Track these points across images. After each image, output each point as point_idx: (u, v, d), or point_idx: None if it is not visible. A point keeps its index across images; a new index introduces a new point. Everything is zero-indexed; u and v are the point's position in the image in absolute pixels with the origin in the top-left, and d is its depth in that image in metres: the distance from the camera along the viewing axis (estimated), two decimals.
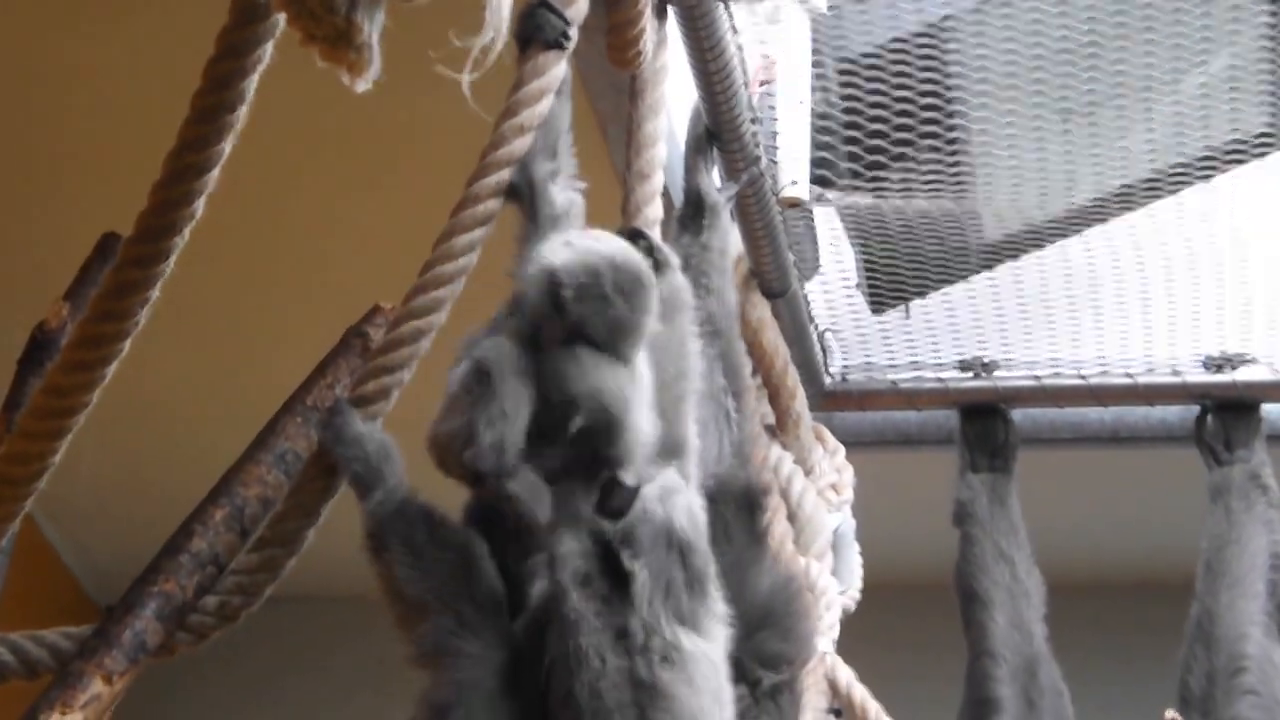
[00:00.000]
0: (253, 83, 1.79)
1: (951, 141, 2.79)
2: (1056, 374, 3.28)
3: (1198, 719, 2.99)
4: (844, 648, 3.00)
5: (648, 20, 2.30)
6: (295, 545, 2.09)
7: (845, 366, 3.30)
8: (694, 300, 2.21)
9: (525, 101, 2.05)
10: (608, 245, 1.99)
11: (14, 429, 2.00)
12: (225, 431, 2.42)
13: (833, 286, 3.20)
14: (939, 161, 2.80)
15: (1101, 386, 3.29)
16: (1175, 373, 3.28)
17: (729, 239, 2.64)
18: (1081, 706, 3.05)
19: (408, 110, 3.34)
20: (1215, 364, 3.27)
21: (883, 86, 2.74)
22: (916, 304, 3.17)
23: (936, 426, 3.34)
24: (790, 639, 2.41)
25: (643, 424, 1.95)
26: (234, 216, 2.61)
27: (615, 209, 2.29)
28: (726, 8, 2.46)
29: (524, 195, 2.05)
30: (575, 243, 1.98)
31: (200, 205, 1.82)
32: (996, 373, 3.28)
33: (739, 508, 2.45)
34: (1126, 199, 2.96)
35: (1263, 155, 2.90)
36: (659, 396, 2.05)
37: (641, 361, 1.98)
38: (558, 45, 2.06)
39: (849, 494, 3.11)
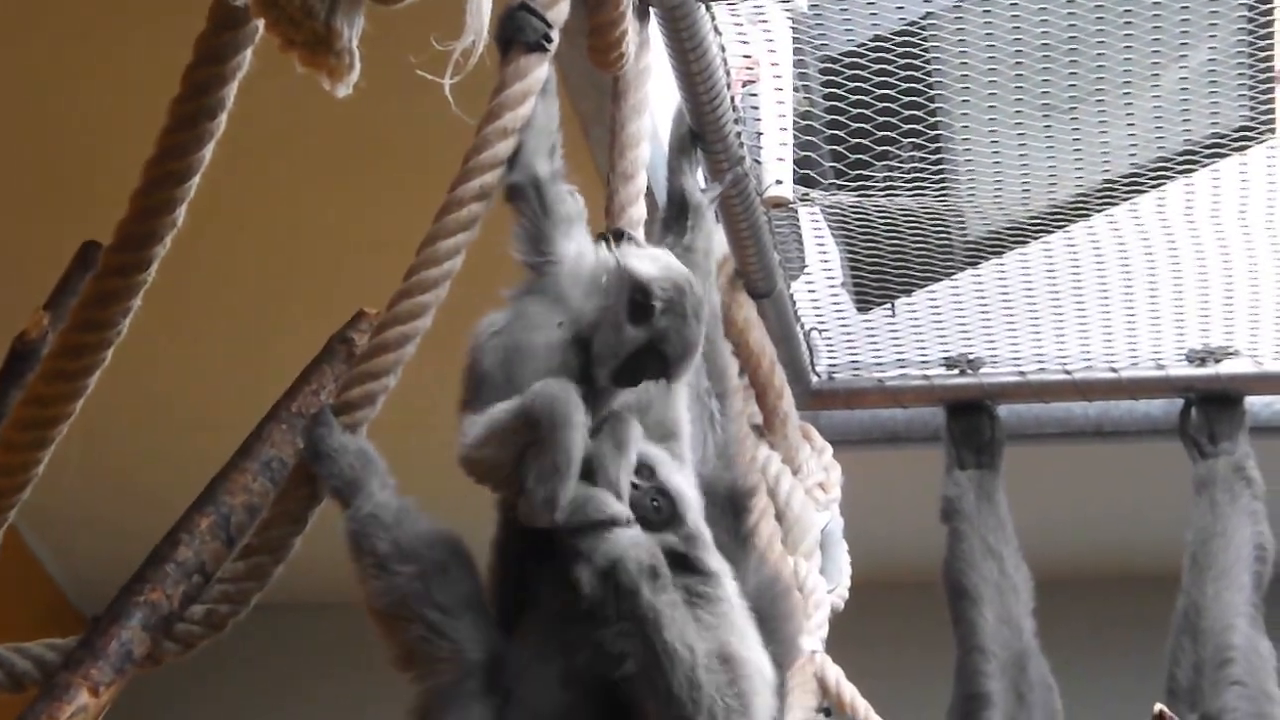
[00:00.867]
0: (232, 89, 1.78)
1: (934, 139, 2.79)
2: (1041, 369, 3.28)
3: (1186, 710, 2.99)
4: (833, 646, 3.00)
5: (629, 22, 2.29)
6: (282, 553, 2.08)
7: (831, 365, 3.30)
8: None
9: (507, 104, 2.04)
10: (683, 268, 2.03)
11: None
12: (211, 439, 2.42)
13: (818, 286, 3.20)
14: (922, 159, 2.80)
15: (1086, 381, 3.29)
16: (1159, 367, 3.29)
17: (713, 240, 2.63)
18: (1070, 700, 3.05)
19: (389, 115, 3.33)
20: (1199, 358, 3.28)
21: (865, 85, 2.74)
22: (902, 302, 3.17)
23: (923, 424, 3.34)
24: (776, 640, 2.40)
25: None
26: (216, 225, 2.60)
27: (599, 210, 2.29)
28: (708, 9, 2.45)
29: (529, 195, 2.05)
30: (660, 259, 2.02)
31: (181, 213, 1.81)
32: (982, 369, 3.28)
33: (723, 510, 2.45)
34: (1108, 194, 2.97)
35: (1243, 149, 2.91)
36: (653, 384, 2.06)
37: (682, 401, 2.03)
38: (539, 48, 2.06)
39: (837, 492, 3.11)
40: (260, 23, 1.74)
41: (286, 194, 3.92)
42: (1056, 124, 2.83)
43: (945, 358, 3.29)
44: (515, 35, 2.06)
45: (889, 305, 3.16)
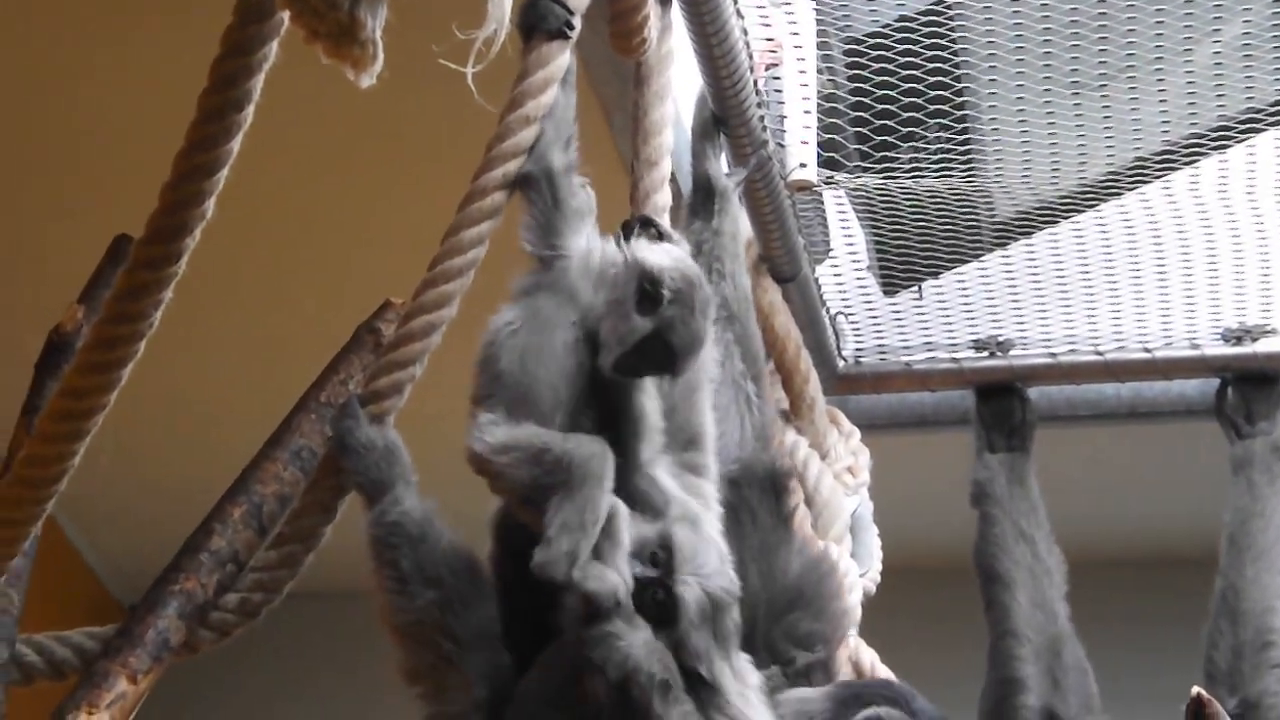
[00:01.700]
0: (259, 81, 1.79)
1: (961, 119, 2.78)
2: (1072, 351, 3.26)
3: (1224, 694, 2.98)
4: (865, 630, 2.99)
5: (651, 7, 2.29)
6: (313, 541, 2.10)
7: (858, 349, 3.28)
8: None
9: (530, 92, 2.05)
10: (693, 264, 2.03)
11: (33, 432, 2.01)
12: (242, 430, 2.43)
13: (844, 269, 3.19)
14: (948, 140, 2.79)
15: (1118, 362, 3.26)
16: (1194, 346, 3.26)
17: (740, 224, 2.64)
18: (1105, 684, 3.04)
19: (412, 105, 3.34)
20: (1234, 336, 3.25)
21: (889, 66, 2.73)
22: (929, 284, 3.16)
23: (951, 407, 3.32)
24: (823, 618, 2.42)
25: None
26: (243, 217, 2.61)
27: (622, 197, 2.29)
28: None
29: (541, 186, 2.05)
30: (673, 253, 2.02)
31: (210, 205, 1.83)
32: (1011, 351, 3.26)
33: (764, 491, 2.46)
34: (1140, 172, 2.95)
35: (1278, 124, 2.88)
36: (672, 387, 2.05)
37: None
38: (561, 35, 2.06)
39: (865, 477, 3.10)
40: (285, 15, 1.75)
41: (311, 184, 3.94)
42: (1086, 102, 2.81)
43: (974, 340, 3.26)
44: (537, 23, 2.07)
45: (916, 288, 3.14)
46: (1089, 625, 3.08)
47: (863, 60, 2.73)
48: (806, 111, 2.67)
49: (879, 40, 2.72)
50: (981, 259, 3.12)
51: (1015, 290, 3.23)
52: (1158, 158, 2.91)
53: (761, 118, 2.62)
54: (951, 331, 3.26)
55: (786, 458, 2.80)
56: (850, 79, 2.74)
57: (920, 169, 2.81)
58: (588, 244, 2.05)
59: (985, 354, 3.26)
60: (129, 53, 3.64)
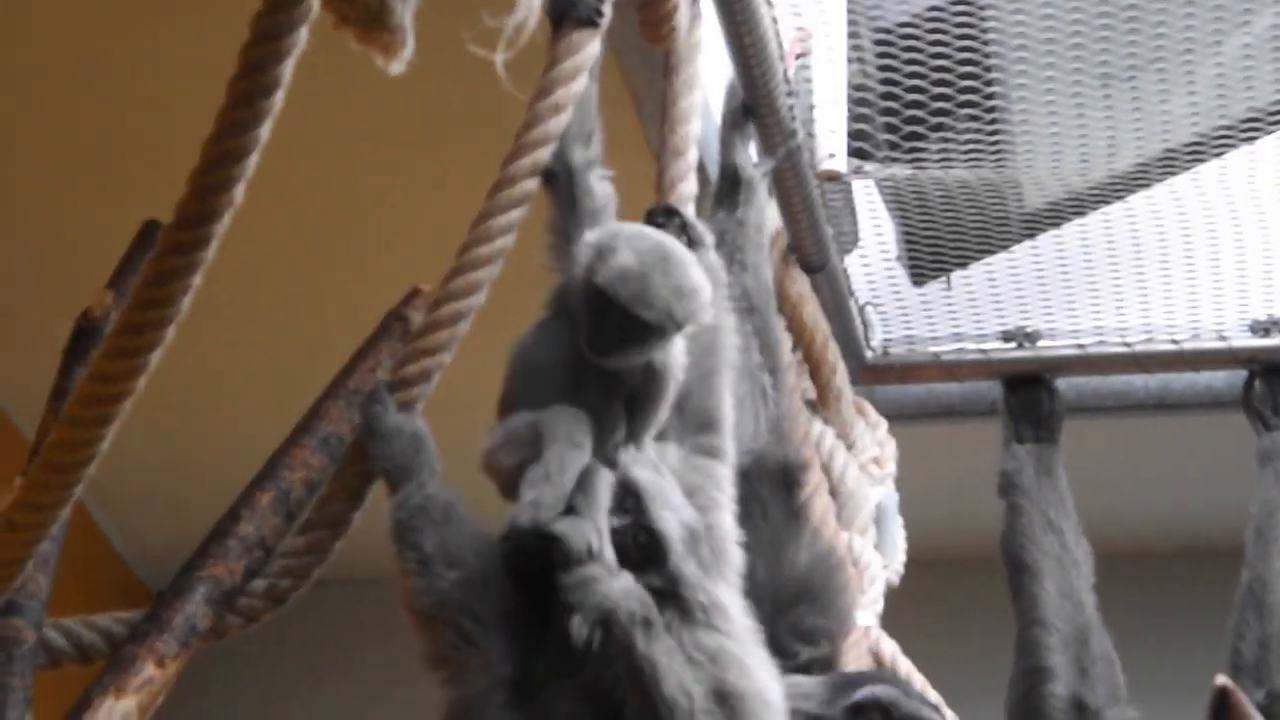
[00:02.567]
0: (289, 67, 1.79)
1: (990, 110, 2.77)
2: (1100, 342, 3.26)
3: (1250, 686, 2.97)
4: (888, 621, 2.99)
5: None
6: (341, 528, 2.11)
7: (886, 339, 3.28)
8: (728, 277, 2.21)
9: (559, 80, 2.05)
10: (645, 234, 2.00)
11: (61, 417, 2.01)
12: (270, 416, 2.44)
13: (872, 259, 3.18)
14: (978, 130, 2.78)
15: (1147, 354, 3.26)
16: (1221, 338, 3.25)
17: (765, 214, 2.63)
18: (1132, 675, 3.04)
19: (442, 92, 3.34)
20: (1262, 328, 3.25)
21: (920, 56, 2.73)
22: (957, 275, 3.16)
23: (979, 398, 3.32)
24: (829, 614, 2.41)
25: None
26: (273, 203, 2.62)
27: (649, 186, 2.29)
28: None
29: (561, 182, 2.05)
30: (624, 230, 2.00)
31: (240, 191, 1.82)
32: (1039, 342, 3.26)
33: (775, 484, 2.45)
34: (1169, 164, 2.94)
35: None
36: (689, 372, 2.05)
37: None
38: (591, 23, 2.06)
39: (891, 468, 3.10)
40: (315, 0, 1.75)
41: (340, 171, 3.94)
42: (1116, 93, 2.80)
43: (1002, 331, 3.26)
44: (567, 10, 2.07)
45: (944, 278, 3.14)
46: (1115, 616, 3.07)
47: (893, 50, 2.73)
48: (836, 101, 2.67)
49: (909, 30, 2.72)
50: (1010, 250, 3.11)
51: (1043, 281, 3.22)
52: (1187, 149, 2.90)
53: (791, 107, 2.61)
54: (979, 322, 3.26)
55: (804, 450, 2.79)
56: (880, 69, 2.74)
57: (949, 159, 2.80)
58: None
59: (1013, 345, 3.26)
60: (158, 37, 3.64)
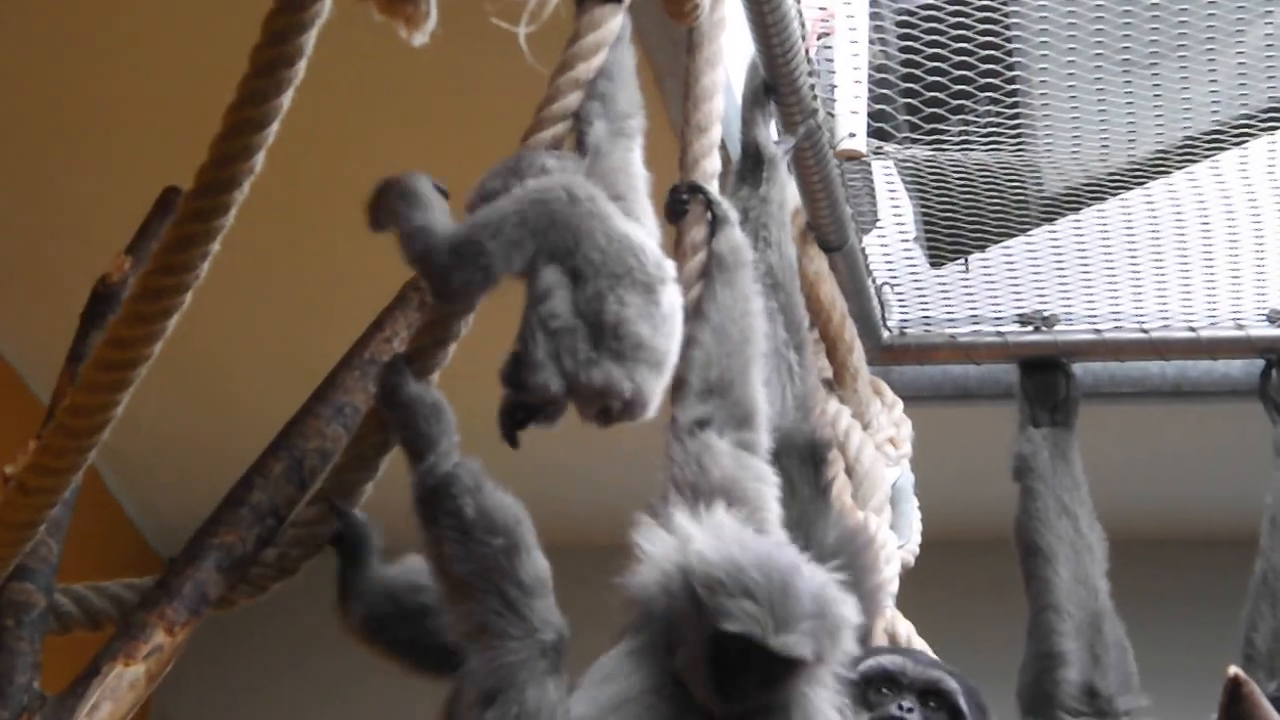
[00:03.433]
0: (311, 37, 1.79)
1: (1011, 94, 2.76)
2: (1117, 327, 3.25)
3: (1263, 676, 2.97)
4: (903, 601, 2.99)
5: None
6: (354, 498, 2.11)
7: (903, 320, 3.28)
8: (753, 256, 2.20)
9: (581, 55, 2.05)
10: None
11: (77, 381, 2.01)
12: (285, 385, 2.44)
13: (891, 240, 3.17)
14: (998, 114, 2.77)
15: (1163, 340, 3.25)
16: (1239, 326, 3.25)
17: (786, 192, 2.63)
18: (1144, 662, 3.03)
19: (464, 64, 3.34)
20: None
21: (941, 38, 2.72)
22: (975, 257, 3.15)
23: (995, 381, 3.31)
24: (859, 592, 2.41)
25: None
26: (293, 171, 2.62)
27: (672, 162, 2.28)
28: None
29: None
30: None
31: (259, 159, 1.83)
32: (1056, 326, 3.25)
33: (803, 462, 2.45)
34: (1189, 151, 2.93)
35: None
36: (726, 361, 2.05)
37: None
38: None
39: (907, 448, 3.10)
40: None
41: (360, 141, 3.93)
42: (1137, 80, 2.79)
43: (1019, 314, 3.25)
44: None
45: (962, 260, 3.13)
46: (1128, 604, 3.07)
47: (915, 32, 2.72)
48: (857, 81, 2.66)
49: (931, 12, 2.71)
50: (1028, 233, 3.10)
51: (1061, 265, 3.21)
52: (1207, 137, 2.89)
53: (812, 86, 2.61)
54: (997, 305, 3.25)
55: (828, 427, 2.79)
56: (902, 50, 2.73)
57: (969, 142, 2.80)
58: None
59: (1030, 328, 3.25)
60: (182, 5, 3.64)
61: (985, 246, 3.11)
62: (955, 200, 2.99)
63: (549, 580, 1.92)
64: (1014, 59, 2.75)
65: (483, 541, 1.90)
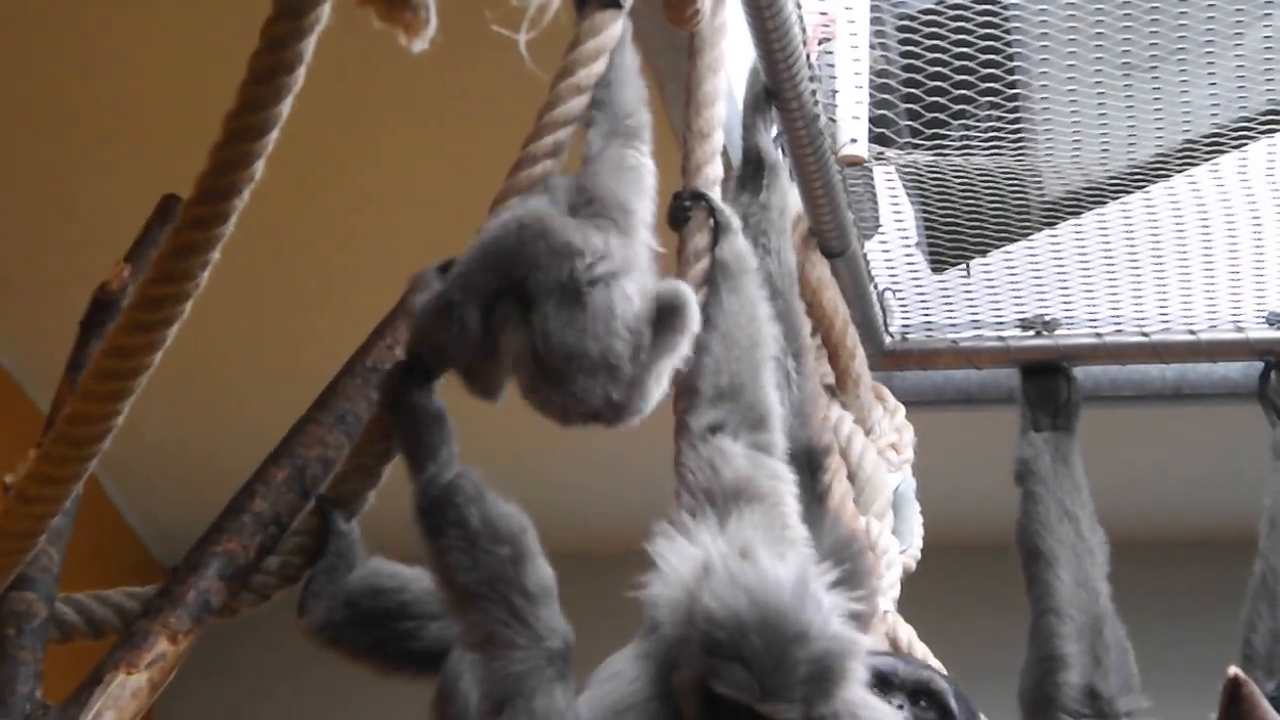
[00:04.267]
0: (310, 44, 1.78)
1: (1012, 98, 2.76)
2: (1118, 331, 3.25)
3: (1262, 677, 2.97)
4: (905, 607, 2.99)
5: None
6: (356, 506, 2.11)
7: (905, 325, 3.28)
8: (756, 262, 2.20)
9: (582, 61, 2.05)
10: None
11: (77, 390, 2.01)
12: (287, 393, 2.44)
13: (892, 245, 3.18)
14: (999, 118, 2.77)
15: (1164, 343, 3.26)
16: (1238, 329, 3.25)
17: (788, 198, 2.63)
18: (1145, 664, 3.03)
19: (464, 71, 3.34)
20: (1279, 320, 3.24)
21: (942, 43, 2.71)
22: (977, 262, 3.15)
23: (997, 385, 3.31)
24: (854, 597, 2.40)
25: None
26: (293, 179, 2.62)
27: (674, 168, 2.28)
28: None
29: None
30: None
31: (259, 167, 1.82)
32: (1057, 331, 3.25)
33: (800, 468, 2.44)
34: (1189, 155, 2.93)
35: None
36: (735, 366, 2.05)
37: None
38: (614, 4, 2.06)
39: (909, 453, 3.10)
40: None
41: (361, 148, 3.94)
42: (1137, 83, 2.79)
43: (1020, 319, 3.26)
44: None
45: (964, 266, 3.13)
46: (1129, 606, 3.07)
47: (915, 37, 2.72)
48: (858, 87, 2.66)
49: (932, 17, 2.71)
50: (1029, 238, 3.10)
51: (1062, 270, 3.22)
52: (1206, 140, 2.89)
53: (813, 92, 2.60)
54: (998, 310, 3.26)
55: (828, 433, 2.79)
56: (903, 55, 2.73)
57: (971, 147, 2.80)
58: None
59: (1031, 333, 3.25)
60: (180, 11, 3.64)
61: (986, 251, 3.11)
62: (956, 205, 3.00)
63: (554, 588, 1.92)
64: (1014, 63, 2.75)
65: (488, 551, 1.90)
